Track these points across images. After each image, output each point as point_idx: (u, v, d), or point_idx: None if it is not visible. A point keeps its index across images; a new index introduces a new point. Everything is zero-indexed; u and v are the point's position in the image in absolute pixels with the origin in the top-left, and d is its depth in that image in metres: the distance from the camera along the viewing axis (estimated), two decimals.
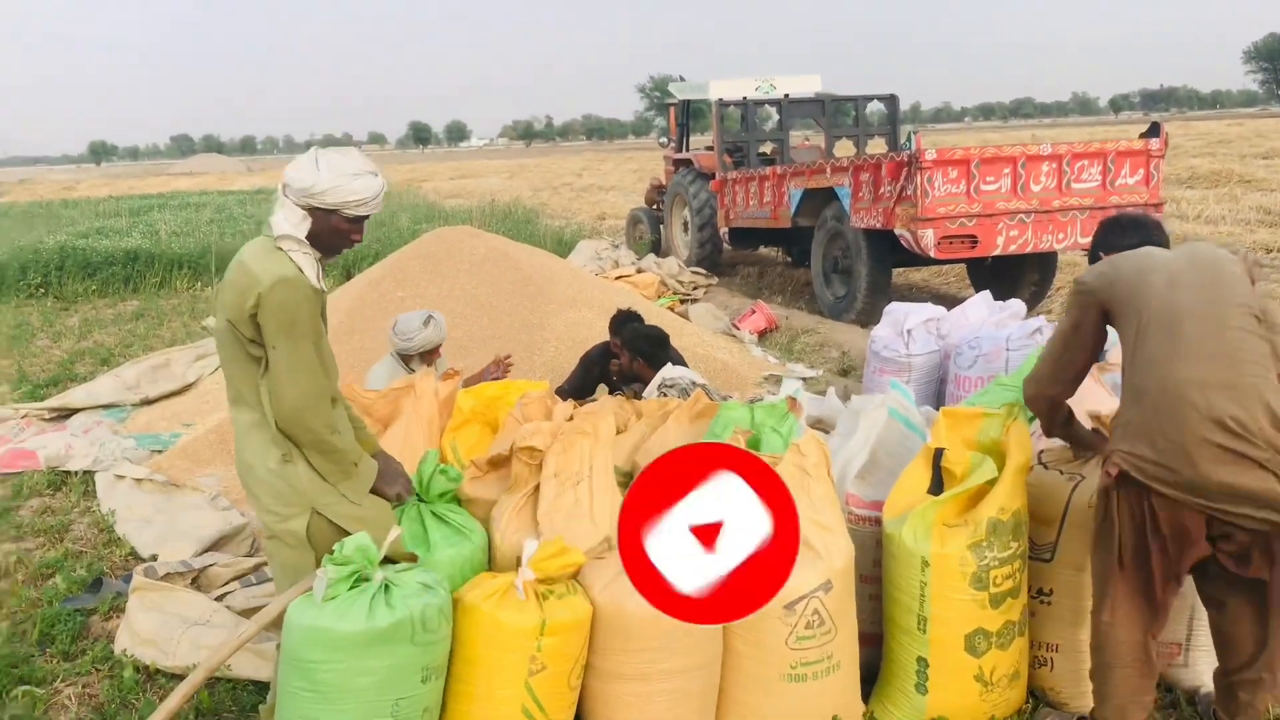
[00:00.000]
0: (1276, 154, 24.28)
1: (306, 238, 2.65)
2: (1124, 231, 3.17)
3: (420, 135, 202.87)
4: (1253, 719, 2.92)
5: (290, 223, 2.63)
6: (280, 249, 2.63)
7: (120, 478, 5.53)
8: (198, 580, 4.22)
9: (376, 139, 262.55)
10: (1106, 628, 2.82)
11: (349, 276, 12.32)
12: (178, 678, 3.51)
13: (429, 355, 4.89)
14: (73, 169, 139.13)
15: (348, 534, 2.64)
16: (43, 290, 12.91)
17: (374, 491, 2.84)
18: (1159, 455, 2.57)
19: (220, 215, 21.41)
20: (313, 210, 2.64)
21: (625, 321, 5.58)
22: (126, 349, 9.54)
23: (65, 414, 7.03)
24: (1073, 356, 2.92)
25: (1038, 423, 3.64)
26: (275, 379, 2.59)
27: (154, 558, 4.49)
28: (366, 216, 2.73)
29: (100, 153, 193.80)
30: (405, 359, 4.85)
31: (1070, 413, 3.12)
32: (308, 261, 2.64)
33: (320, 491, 2.68)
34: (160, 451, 6.03)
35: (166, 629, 3.69)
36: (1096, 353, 2.94)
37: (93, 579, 4.40)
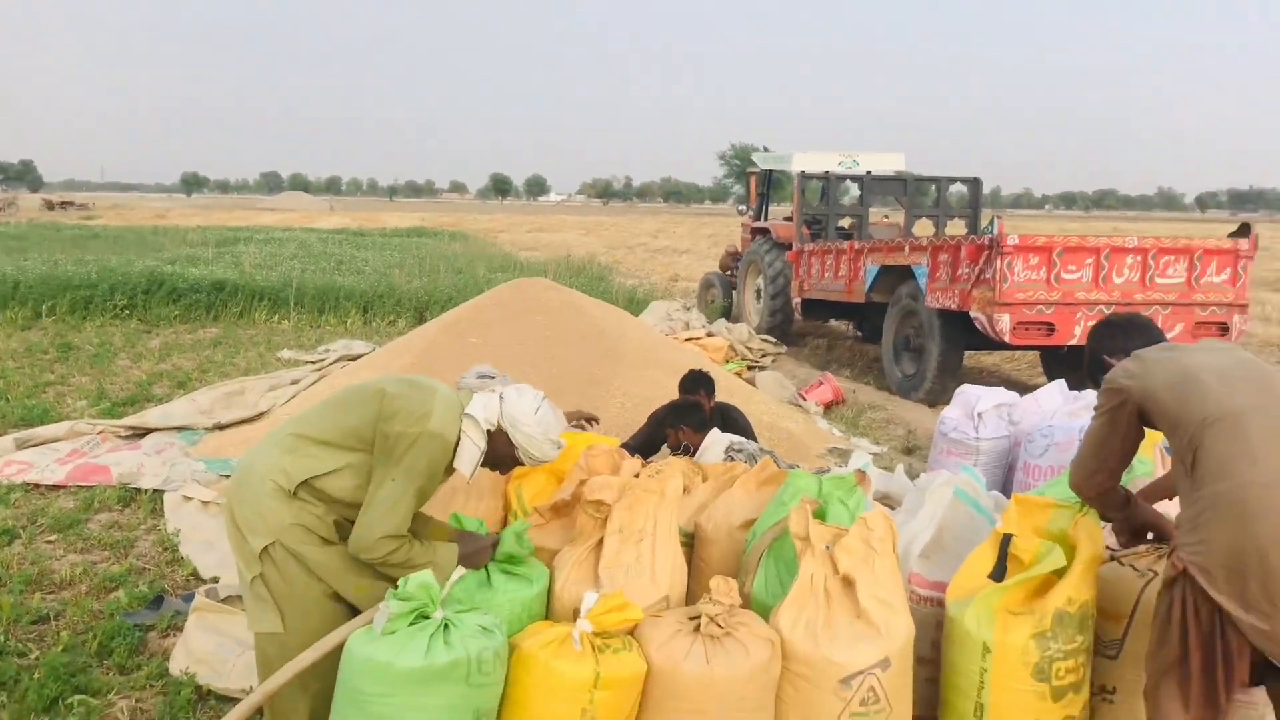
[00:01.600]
0: None
1: (491, 429, 2.97)
2: (1125, 334, 3.24)
3: (501, 187, 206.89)
4: None
5: (484, 415, 2.94)
6: (457, 414, 2.90)
7: (188, 499, 5.66)
8: None
9: (458, 188, 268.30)
10: None
11: (422, 320, 12.55)
12: (228, 700, 3.55)
13: None
14: (165, 198, 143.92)
15: (314, 574, 2.82)
16: (128, 312, 13.32)
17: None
18: (1230, 558, 2.48)
19: (303, 252, 21.97)
20: (501, 431, 2.97)
21: (696, 381, 5.59)
22: (203, 374, 9.79)
23: (140, 433, 7.21)
24: (1112, 450, 2.85)
25: None
26: (375, 504, 2.77)
27: (216, 580, 4.57)
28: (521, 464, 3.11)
29: (192, 184, 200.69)
30: None
31: (1128, 496, 3.06)
32: (473, 451, 2.91)
33: (296, 532, 2.80)
34: (228, 476, 6.14)
35: (222, 650, 3.74)
36: (1135, 448, 2.88)
37: (154, 596, 4.48)
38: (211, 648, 3.80)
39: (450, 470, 2.96)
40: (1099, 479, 2.93)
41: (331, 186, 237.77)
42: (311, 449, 2.83)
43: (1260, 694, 2.75)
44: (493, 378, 4.95)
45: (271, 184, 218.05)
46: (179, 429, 7.31)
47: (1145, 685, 2.80)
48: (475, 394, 2.99)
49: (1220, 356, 2.75)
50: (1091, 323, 8.35)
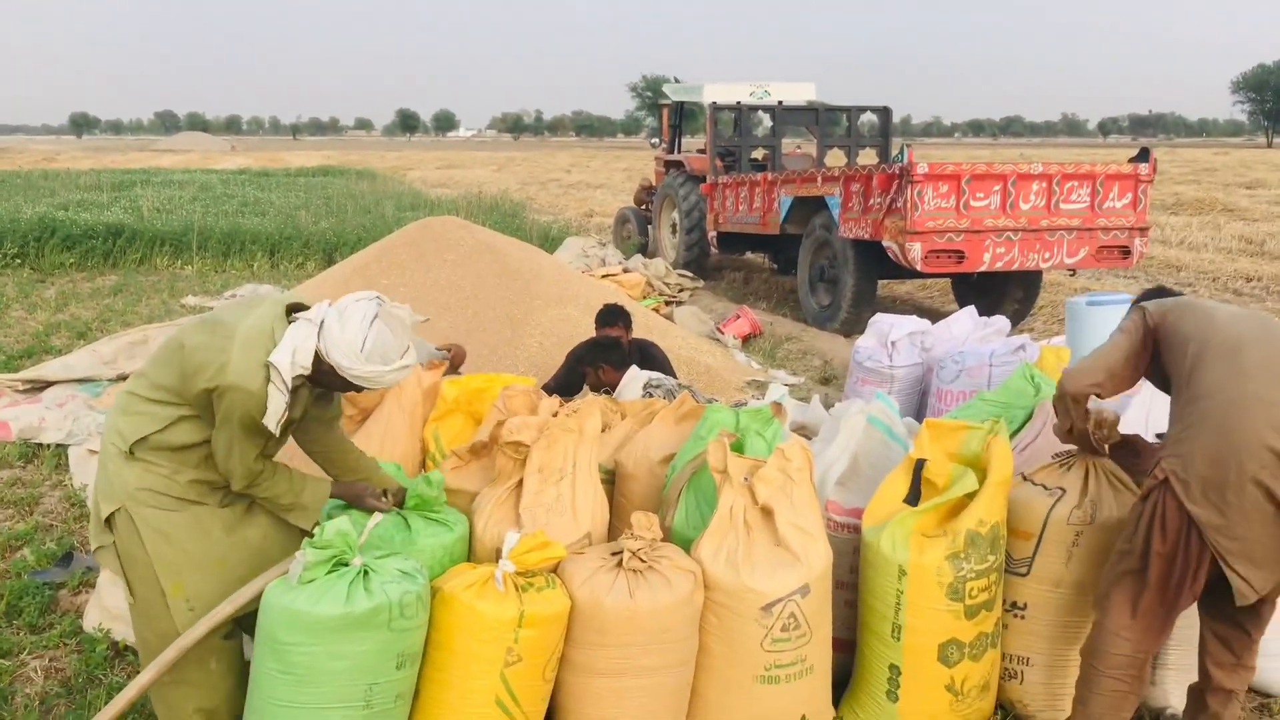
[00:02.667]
0: (1260, 184, 24.57)
1: (306, 374, 2.60)
2: (1164, 295, 3.36)
3: (408, 123, 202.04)
4: None
5: (295, 359, 2.55)
6: (265, 350, 2.56)
7: (94, 452, 5.48)
8: None
9: (363, 124, 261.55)
10: (1109, 635, 2.83)
11: (331, 261, 12.27)
12: None
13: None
14: (53, 140, 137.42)
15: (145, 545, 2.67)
16: (19, 261, 12.74)
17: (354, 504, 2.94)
18: (1209, 467, 2.60)
19: (204, 194, 21.28)
20: (327, 363, 2.60)
21: (612, 315, 5.57)
22: (104, 324, 9.45)
23: (39, 386, 6.94)
24: (1127, 364, 2.95)
25: (1021, 438, 3.68)
26: (216, 445, 2.65)
27: None
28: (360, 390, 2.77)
29: (82, 125, 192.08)
30: None
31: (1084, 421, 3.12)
32: (277, 402, 2.55)
33: (142, 496, 2.67)
34: None
35: None
36: (1138, 374, 2.99)
37: (63, 553, 4.36)
38: (125, 604, 3.71)
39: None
40: (1093, 378, 2.97)
41: (231, 126, 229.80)
42: (141, 406, 2.68)
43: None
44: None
45: (167, 124, 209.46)
46: (81, 381, 7.04)
47: (1099, 589, 2.93)
48: (289, 328, 2.59)
49: (1234, 307, 2.97)
50: (1000, 249, 8.58)
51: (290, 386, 2.55)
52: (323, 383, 2.69)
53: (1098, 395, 3.03)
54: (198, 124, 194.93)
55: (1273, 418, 2.59)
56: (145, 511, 2.66)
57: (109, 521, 2.69)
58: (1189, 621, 3.05)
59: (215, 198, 20.38)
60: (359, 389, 2.73)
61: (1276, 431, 2.56)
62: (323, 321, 2.59)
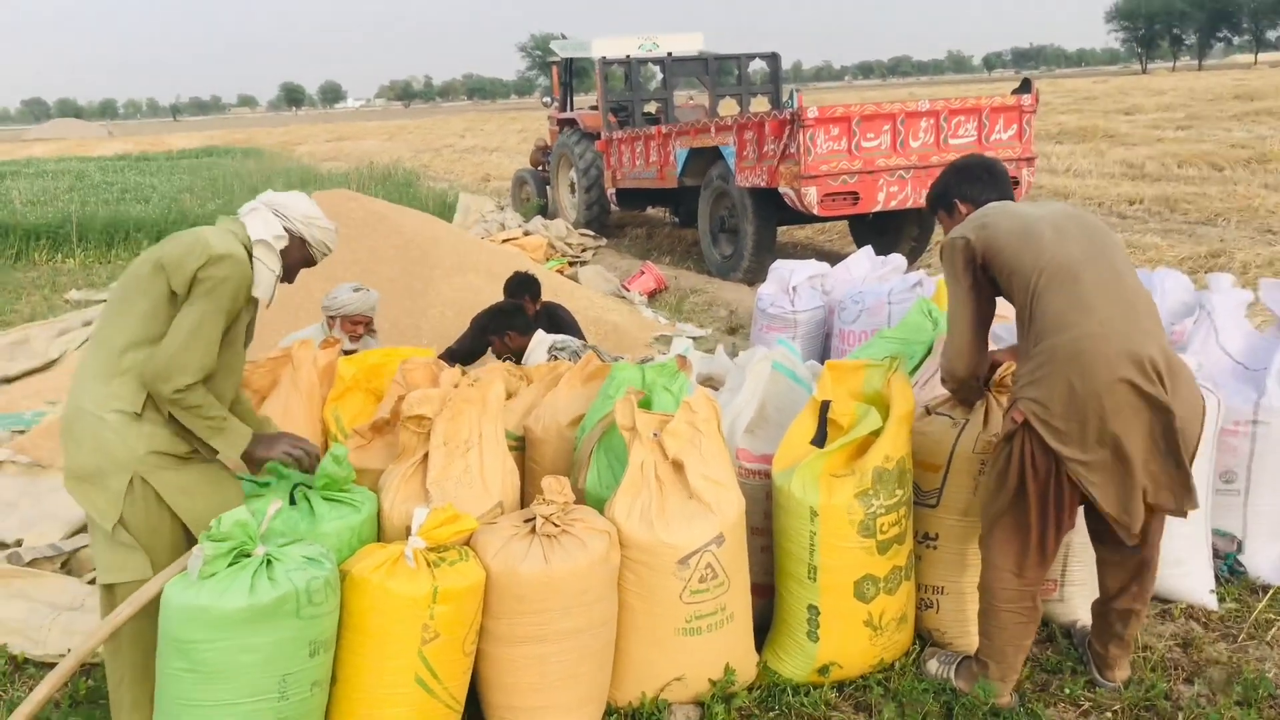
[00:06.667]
0: (1138, 109, 25.36)
1: (285, 245, 2.85)
2: (984, 184, 3.14)
3: (293, 97, 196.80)
4: (1124, 649, 3.06)
5: (269, 232, 2.79)
6: (235, 236, 2.74)
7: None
8: (68, 565, 4.03)
9: (246, 101, 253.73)
10: (998, 572, 2.89)
11: None
12: (49, 666, 3.35)
13: (354, 327, 4.79)
14: None
15: (167, 507, 2.63)
16: None
17: (252, 456, 2.85)
18: (1068, 407, 2.61)
19: (81, 183, 20.38)
20: (294, 238, 2.87)
21: (520, 286, 5.50)
22: None
23: None
24: (984, 314, 2.92)
25: (922, 372, 3.73)
26: (172, 333, 2.60)
27: (18, 543, 4.26)
28: (312, 264, 3.01)
29: None
30: (330, 327, 4.81)
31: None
32: (268, 276, 2.78)
33: (151, 460, 2.61)
34: (23, 432, 5.71)
35: (35, 616, 3.52)
36: (994, 308, 2.96)
37: None
38: (23, 615, 3.57)
39: (250, 300, 2.78)
40: (976, 359, 2.97)
41: (107, 110, 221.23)
42: (128, 360, 2.59)
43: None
44: (364, 289, 4.83)
45: (37, 112, 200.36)
46: None
47: (980, 533, 2.97)
48: (244, 219, 2.81)
49: (1051, 209, 2.87)
50: (893, 188, 8.69)
51: (279, 260, 2.82)
52: (283, 264, 2.88)
53: (982, 366, 3.05)
54: (70, 110, 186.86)
55: (1125, 348, 2.59)
56: (160, 475, 2.63)
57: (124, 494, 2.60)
58: (1089, 539, 3.14)
59: (94, 186, 19.55)
60: (308, 263, 2.96)
61: (1130, 362, 2.57)
62: (269, 204, 2.86)
